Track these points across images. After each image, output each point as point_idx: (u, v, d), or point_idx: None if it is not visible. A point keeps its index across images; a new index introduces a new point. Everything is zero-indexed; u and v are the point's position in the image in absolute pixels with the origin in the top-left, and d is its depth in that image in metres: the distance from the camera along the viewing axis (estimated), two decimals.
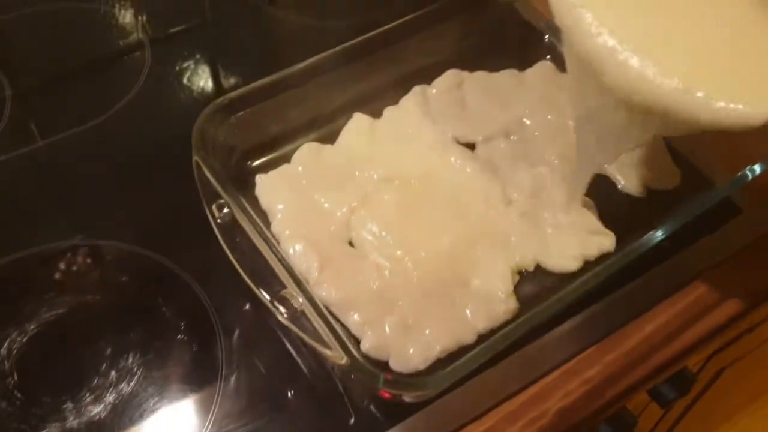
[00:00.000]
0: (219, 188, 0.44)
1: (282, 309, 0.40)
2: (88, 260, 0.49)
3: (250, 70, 0.64)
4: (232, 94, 0.49)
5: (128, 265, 0.49)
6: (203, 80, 0.64)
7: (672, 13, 0.39)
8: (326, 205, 0.49)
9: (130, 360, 0.45)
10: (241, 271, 0.41)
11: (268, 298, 0.40)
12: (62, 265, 0.49)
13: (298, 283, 0.41)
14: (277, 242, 0.47)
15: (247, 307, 0.47)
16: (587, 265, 0.47)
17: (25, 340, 0.45)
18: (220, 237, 0.43)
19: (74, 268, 0.49)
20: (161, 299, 0.47)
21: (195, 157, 0.47)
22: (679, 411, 0.76)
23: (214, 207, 0.44)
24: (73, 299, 0.47)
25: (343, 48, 0.52)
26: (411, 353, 0.42)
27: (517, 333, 0.40)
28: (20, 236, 0.50)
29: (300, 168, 0.51)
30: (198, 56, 0.65)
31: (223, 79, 0.65)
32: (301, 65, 0.51)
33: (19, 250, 0.49)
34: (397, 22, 0.54)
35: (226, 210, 0.44)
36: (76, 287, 0.48)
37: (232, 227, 0.44)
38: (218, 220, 0.43)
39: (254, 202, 0.50)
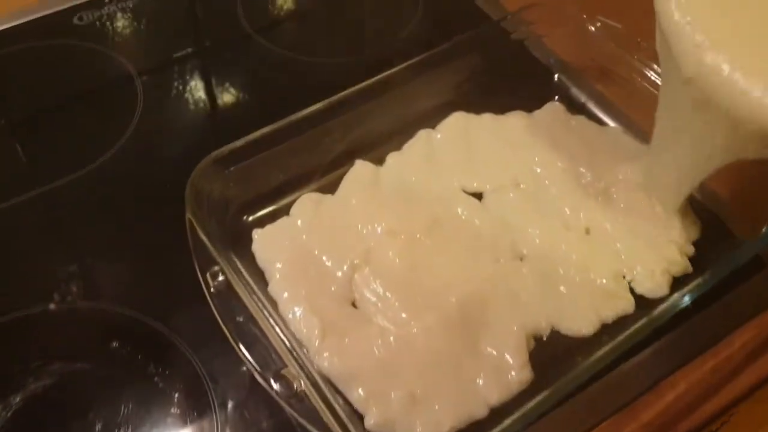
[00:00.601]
0: (214, 252, 0.42)
1: (281, 389, 0.38)
2: (78, 324, 0.47)
3: (245, 106, 0.62)
4: (227, 147, 0.47)
5: (119, 330, 0.46)
6: (198, 118, 0.62)
7: None
8: (327, 263, 0.47)
9: None
10: (237, 348, 0.38)
11: (265, 378, 0.37)
12: (50, 330, 0.47)
13: (298, 359, 0.38)
14: (275, 304, 0.45)
15: (245, 375, 0.44)
16: (605, 327, 0.44)
17: (9, 415, 0.43)
18: (214, 308, 0.41)
19: (63, 333, 0.47)
20: (154, 368, 0.45)
21: (188, 215, 0.44)
22: None
23: (208, 275, 0.41)
24: (61, 368, 0.45)
25: (345, 94, 0.50)
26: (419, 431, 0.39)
27: (534, 414, 0.37)
28: (3, 298, 0.48)
29: (299, 221, 0.49)
30: (191, 90, 0.62)
31: (220, 105, 0.62)
32: (300, 114, 0.49)
33: (2, 314, 0.47)
34: (400, 67, 0.51)
35: (221, 278, 0.41)
36: (65, 354, 0.45)
37: (228, 292, 0.42)
38: (212, 290, 0.41)
39: (251, 259, 0.47)
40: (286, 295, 0.45)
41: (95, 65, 0.65)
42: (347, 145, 0.52)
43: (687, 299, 0.42)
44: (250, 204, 0.50)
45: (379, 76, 0.51)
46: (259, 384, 0.43)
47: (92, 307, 0.47)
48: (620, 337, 0.41)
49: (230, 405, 0.43)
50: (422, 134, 0.54)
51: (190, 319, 0.46)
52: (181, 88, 0.63)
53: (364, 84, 0.50)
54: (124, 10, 0.68)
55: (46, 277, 0.49)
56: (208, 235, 0.43)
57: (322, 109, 0.50)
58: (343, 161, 0.52)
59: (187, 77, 0.64)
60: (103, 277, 0.49)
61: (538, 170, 0.51)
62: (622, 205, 0.49)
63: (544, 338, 0.44)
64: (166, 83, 0.63)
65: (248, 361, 0.38)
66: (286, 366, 0.38)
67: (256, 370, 0.38)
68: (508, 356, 0.42)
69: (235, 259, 0.43)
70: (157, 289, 0.48)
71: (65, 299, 0.47)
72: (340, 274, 0.46)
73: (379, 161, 0.52)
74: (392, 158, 0.53)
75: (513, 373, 0.41)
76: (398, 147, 0.53)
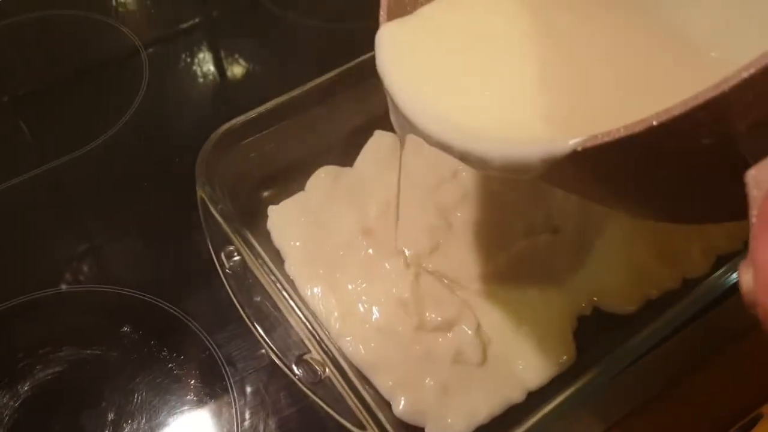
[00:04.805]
0: (228, 231, 0.39)
1: (303, 374, 0.35)
2: (86, 308, 0.44)
3: (255, 76, 0.59)
4: (240, 118, 0.44)
5: (131, 313, 0.44)
6: (206, 89, 0.58)
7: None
8: (342, 234, 0.44)
9: (135, 425, 0.40)
10: (255, 331, 0.36)
11: (286, 365, 0.35)
12: (57, 315, 0.44)
13: (321, 342, 0.36)
14: (293, 284, 0.42)
15: (264, 358, 0.42)
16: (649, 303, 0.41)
17: (17, 405, 0.40)
18: (230, 290, 0.38)
19: (71, 317, 0.44)
20: (168, 353, 0.42)
21: (200, 193, 0.41)
22: None
23: (222, 256, 0.38)
24: (70, 354, 0.42)
25: (359, 62, 0.46)
26: (450, 422, 0.36)
27: (580, 397, 0.34)
28: (9, 282, 0.46)
29: (315, 196, 0.46)
30: (198, 61, 0.59)
31: (229, 77, 0.59)
32: (314, 83, 0.45)
33: (7, 298, 0.44)
34: None
35: (236, 257, 0.39)
36: (74, 340, 0.43)
37: (244, 272, 0.39)
38: (227, 270, 0.38)
39: (267, 237, 0.45)
40: (303, 274, 0.42)
41: (101, 37, 0.62)
42: (365, 117, 0.49)
43: (734, 276, 0.38)
44: (266, 179, 0.47)
45: None
46: (279, 368, 0.41)
47: (101, 290, 0.45)
48: (668, 313, 0.38)
49: (249, 390, 0.40)
50: None
51: (204, 301, 0.43)
52: (188, 59, 0.60)
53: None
54: None
55: (52, 258, 0.47)
56: (221, 213, 0.40)
57: (338, 78, 0.46)
58: (362, 133, 0.48)
59: (195, 48, 0.61)
60: (112, 259, 0.47)
61: None
62: None
63: (584, 317, 0.41)
64: (172, 55, 0.60)
65: (268, 345, 0.35)
66: (308, 351, 0.35)
67: (276, 355, 0.35)
68: (550, 336, 0.39)
69: (251, 238, 0.40)
70: (169, 271, 0.46)
71: (73, 282, 0.45)
72: (356, 243, 0.43)
73: None
74: None
75: (555, 354, 0.38)
76: None
